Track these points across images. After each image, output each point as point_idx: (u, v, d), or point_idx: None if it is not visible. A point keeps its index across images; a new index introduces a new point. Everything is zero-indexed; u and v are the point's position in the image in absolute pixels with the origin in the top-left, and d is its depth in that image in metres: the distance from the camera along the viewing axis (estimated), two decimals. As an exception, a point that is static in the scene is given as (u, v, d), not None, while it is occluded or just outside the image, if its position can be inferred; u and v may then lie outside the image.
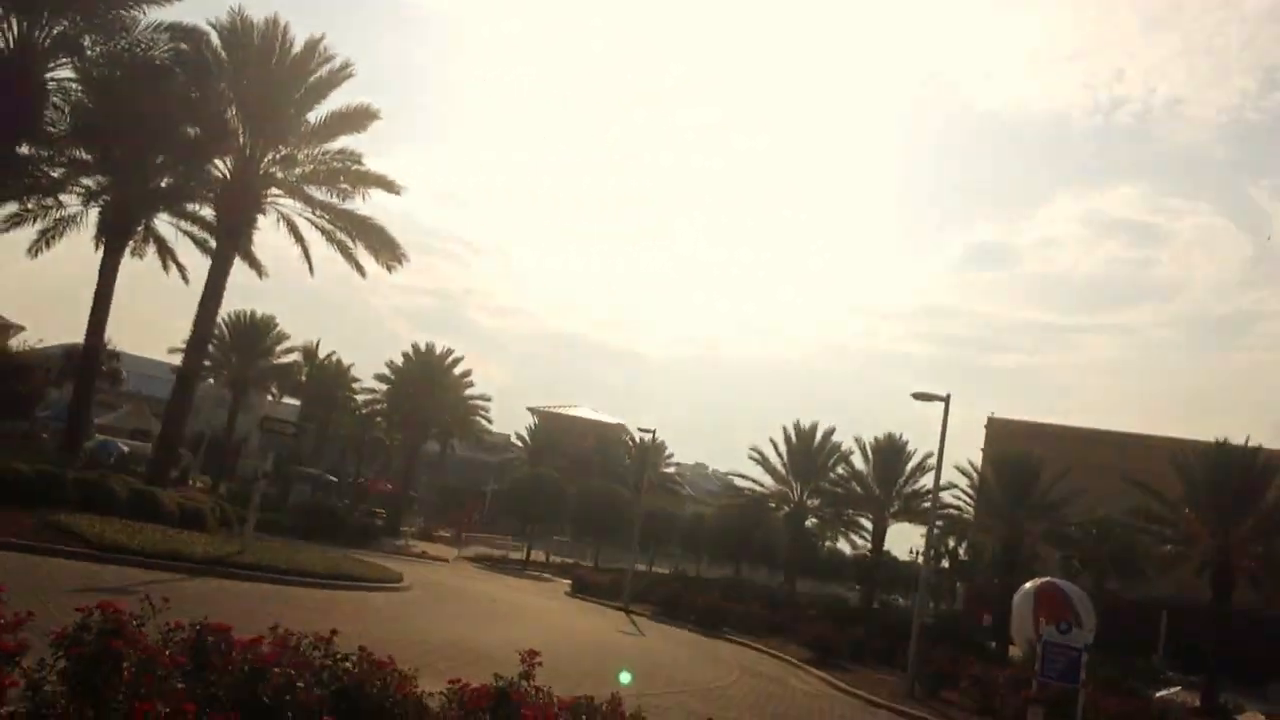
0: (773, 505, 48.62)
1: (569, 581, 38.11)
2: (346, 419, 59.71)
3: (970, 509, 44.50)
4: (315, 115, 28.85)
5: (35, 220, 28.42)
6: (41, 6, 23.67)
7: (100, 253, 28.23)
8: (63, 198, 28.37)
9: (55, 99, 25.09)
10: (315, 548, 28.79)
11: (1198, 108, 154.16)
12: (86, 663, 5.22)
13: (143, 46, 25.33)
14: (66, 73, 25.26)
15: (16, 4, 23.46)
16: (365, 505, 55.30)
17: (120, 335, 55.15)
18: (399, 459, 59.88)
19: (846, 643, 25.87)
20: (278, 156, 28.64)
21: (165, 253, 31.50)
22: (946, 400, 22.19)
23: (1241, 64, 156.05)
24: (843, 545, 53.96)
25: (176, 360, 34.74)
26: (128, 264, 29.47)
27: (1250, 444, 32.50)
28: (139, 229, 29.71)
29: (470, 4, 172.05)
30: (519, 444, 72.01)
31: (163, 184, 29.47)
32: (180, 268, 31.89)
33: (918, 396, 22.28)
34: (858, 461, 45.74)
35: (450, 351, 54.98)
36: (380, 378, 54.89)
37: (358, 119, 28.80)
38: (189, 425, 44.57)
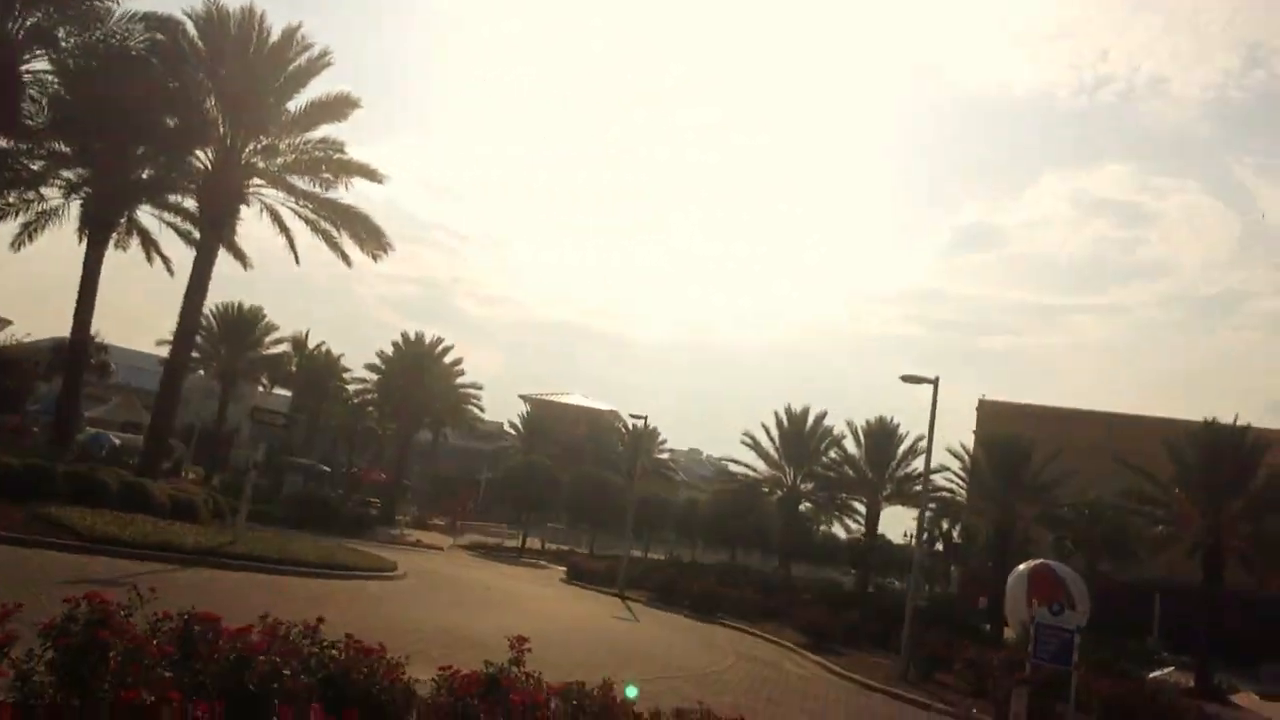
0: (766, 490, 48.71)
1: (564, 569, 38.14)
2: (338, 409, 59.64)
3: (963, 491, 44.64)
4: (295, 104, 28.75)
5: (17, 214, 28.19)
6: (14, -2, 23.49)
7: (83, 245, 28.08)
8: (44, 191, 28.18)
9: (32, 91, 24.86)
10: (309, 538, 28.77)
11: (1182, 86, 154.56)
12: (73, 653, 5.24)
13: (118, 37, 25.14)
14: (43, 65, 25.08)
15: (-12, -4, 23.27)
16: (359, 495, 55.30)
17: (109, 328, 55.18)
18: (391, 448, 59.83)
19: (841, 627, 25.93)
20: (259, 146, 28.49)
21: (149, 245, 31.35)
22: (935, 383, 22.19)
23: (1224, 42, 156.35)
24: (837, 530, 54.10)
25: (165, 352, 34.59)
26: (113, 256, 29.36)
27: (1239, 423, 32.62)
28: (122, 221, 29.54)
29: (471, 4, 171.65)
30: (512, 432, 72.03)
31: (144, 176, 29.29)
32: (165, 259, 31.77)
33: (906, 379, 22.27)
34: (850, 445, 45.87)
35: (440, 340, 54.98)
36: (370, 367, 54.86)
37: (338, 107, 28.66)
38: (180, 417, 44.43)
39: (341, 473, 62.36)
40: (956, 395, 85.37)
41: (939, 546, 50.79)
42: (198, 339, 52.41)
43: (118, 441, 41.82)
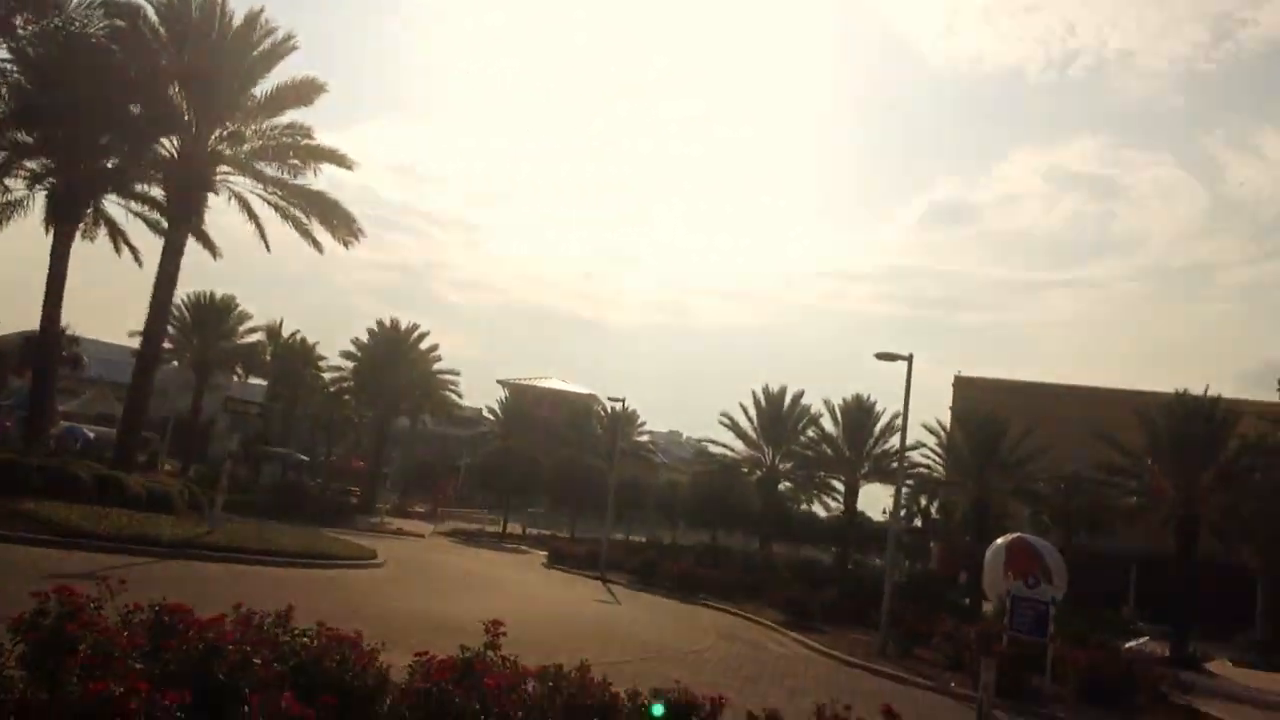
0: (745, 470, 48.92)
1: (545, 553, 38.19)
2: (314, 397, 59.31)
3: (941, 468, 44.94)
4: (261, 90, 28.44)
5: (-20, 206, 27.81)
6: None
7: (50, 237, 27.71)
8: (7, 182, 27.74)
9: (-8, 81, 24.51)
10: (288, 527, 28.65)
11: (1150, 59, 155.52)
12: (42, 646, 5.22)
13: (77, 24, 24.75)
14: (1, 54, 24.69)
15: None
16: (338, 483, 55.10)
17: (80, 320, 54.46)
18: (369, 436, 59.61)
19: (820, 605, 26.10)
20: (225, 133, 28.17)
21: (116, 235, 30.97)
22: (909, 360, 22.29)
23: (1191, 13, 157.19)
24: (817, 509, 54.38)
25: (137, 344, 34.25)
26: (81, 248, 28.97)
27: (1210, 395, 32.99)
28: (88, 212, 29.15)
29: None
30: (490, 417, 71.87)
31: (109, 165, 28.89)
32: (133, 250, 31.38)
33: (881, 357, 22.34)
34: (827, 424, 46.08)
35: (416, 326, 54.77)
36: (346, 355, 54.58)
37: (304, 92, 28.37)
38: (155, 409, 44.01)
39: (320, 461, 62.06)
40: (933, 372, 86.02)
41: (917, 523, 51.19)
42: (170, 330, 51.95)
43: (92, 435, 41.45)
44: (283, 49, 28.40)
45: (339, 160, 28.92)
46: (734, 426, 48.75)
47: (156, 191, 29.48)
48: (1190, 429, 31.93)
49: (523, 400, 73.03)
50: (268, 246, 30.83)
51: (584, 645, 14.75)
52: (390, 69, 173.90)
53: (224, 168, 28.84)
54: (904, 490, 47.80)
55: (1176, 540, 32.31)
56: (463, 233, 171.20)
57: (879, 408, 44.87)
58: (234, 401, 33.24)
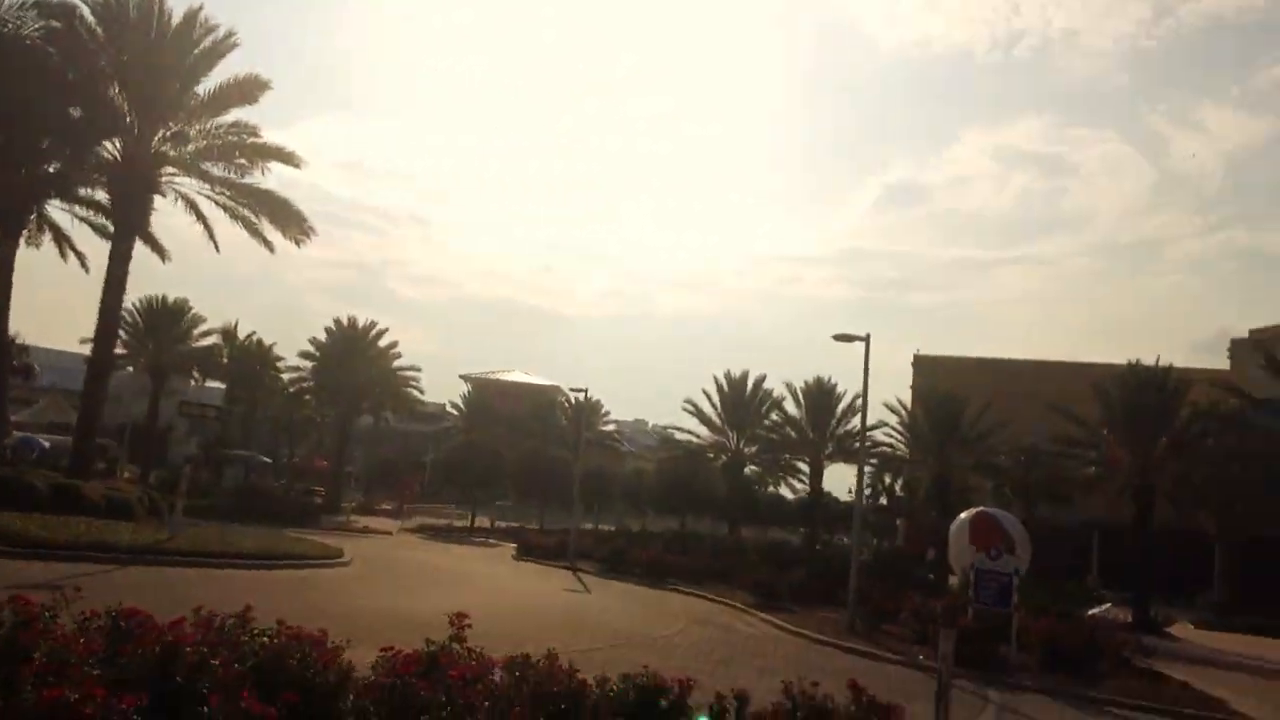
0: (710, 456, 49.13)
1: (514, 546, 38.11)
2: (274, 399, 58.65)
3: (904, 446, 45.40)
4: (204, 89, 28.00)
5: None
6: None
7: (-7, 245, 27.14)
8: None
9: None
10: (251, 530, 28.40)
11: (1094, 38, 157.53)
12: (-4, 657, 5.13)
13: (10, 26, 24.20)
14: None
15: None
16: (302, 484, 54.58)
17: (30, 329, 53.36)
18: (331, 435, 59.11)
19: (789, 585, 26.26)
20: (168, 134, 27.71)
21: (61, 240, 30.38)
22: (867, 340, 22.46)
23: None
24: (784, 491, 54.77)
25: (89, 350, 33.65)
26: (26, 254, 28.44)
27: (1162, 364, 33.57)
28: (31, 218, 28.55)
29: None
30: (454, 412, 71.55)
31: (50, 169, 28.29)
32: (79, 256, 30.83)
33: (838, 338, 22.49)
34: (790, 407, 46.39)
35: (374, 324, 54.34)
36: (305, 355, 54.02)
37: (248, 90, 27.97)
38: (112, 416, 43.28)
39: (283, 463, 61.46)
40: (893, 352, 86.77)
41: (883, 501, 51.70)
42: (123, 335, 51.00)
43: (48, 444, 40.64)
44: (224, 47, 27.97)
45: (286, 158, 28.55)
46: (698, 413, 48.96)
47: (101, 195, 28.93)
48: (1143, 399, 32.46)
49: (485, 394, 72.77)
50: (217, 247, 30.43)
51: (554, 635, 14.72)
52: (363, 70, 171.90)
53: (169, 169, 28.37)
54: (868, 469, 48.33)
55: (1134, 508, 32.88)
56: (417, 228, 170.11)
57: (840, 389, 45.26)
58: (190, 405, 32.82)
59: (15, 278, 27.83)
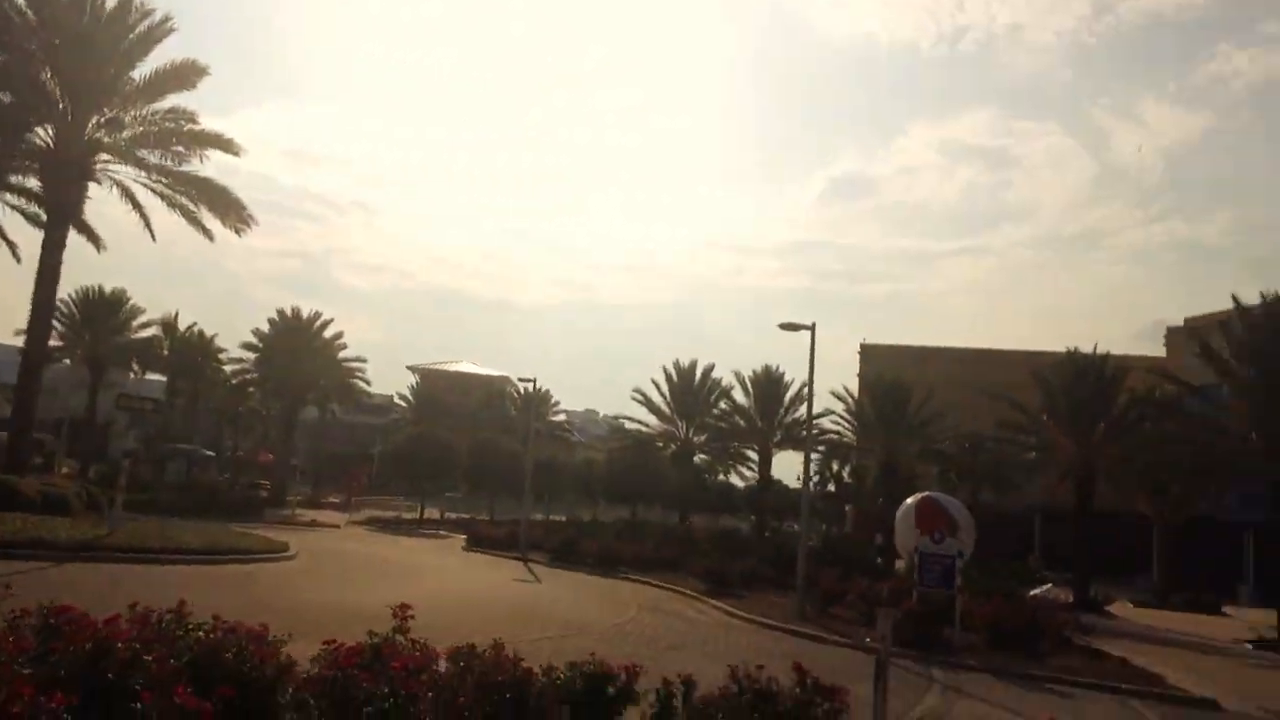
0: (660, 445, 49.29)
1: (465, 537, 37.87)
2: (217, 391, 57.70)
3: (851, 433, 45.95)
4: (139, 74, 27.26)
5: None
6: None
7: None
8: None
9: None
10: (194, 524, 27.87)
11: (1037, 33, 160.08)
12: (-80, 657, 4.96)
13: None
14: None
15: None
16: (247, 477, 53.74)
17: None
18: (276, 428, 58.26)
19: (739, 572, 26.43)
20: (102, 120, 26.95)
21: (-10, 230, 29.47)
22: (812, 329, 22.63)
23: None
24: (734, 479, 55.17)
25: (22, 342, 32.76)
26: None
27: (1099, 352, 34.32)
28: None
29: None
30: (402, 404, 70.93)
31: (-22, 158, 27.43)
32: (10, 245, 29.88)
33: (784, 327, 22.63)
34: (739, 396, 46.73)
35: (319, 314, 53.60)
36: (247, 346, 53.11)
37: (185, 75, 27.31)
38: (49, 409, 42.23)
39: (226, 456, 60.50)
40: (842, 342, 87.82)
41: (831, 488, 52.27)
42: (59, 326, 49.83)
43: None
44: (159, 32, 27.27)
45: (224, 145, 27.95)
46: (647, 402, 49.08)
47: (34, 182, 28.09)
48: (1082, 386, 33.19)
49: (434, 385, 72.23)
50: (153, 236, 29.73)
51: (503, 625, 14.64)
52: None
53: (104, 156, 27.61)
54: (817, 457, 48.91)
55: (1075, 492, 33.63)
56: (362, 216, 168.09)
57: (788, 378, 45.73)
58: (127, 398, 32.11)
59: (-56, 268, 27.00)
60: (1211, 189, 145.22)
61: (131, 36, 26.96)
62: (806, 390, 40.72)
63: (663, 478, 47.34)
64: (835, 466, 52.65)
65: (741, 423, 46.50)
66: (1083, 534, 33.23)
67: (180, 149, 27.43)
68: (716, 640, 17.14)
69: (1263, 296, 27.02)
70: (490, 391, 72.95)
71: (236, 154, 28.46)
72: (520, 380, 47.42)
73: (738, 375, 46.83)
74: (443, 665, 6.70)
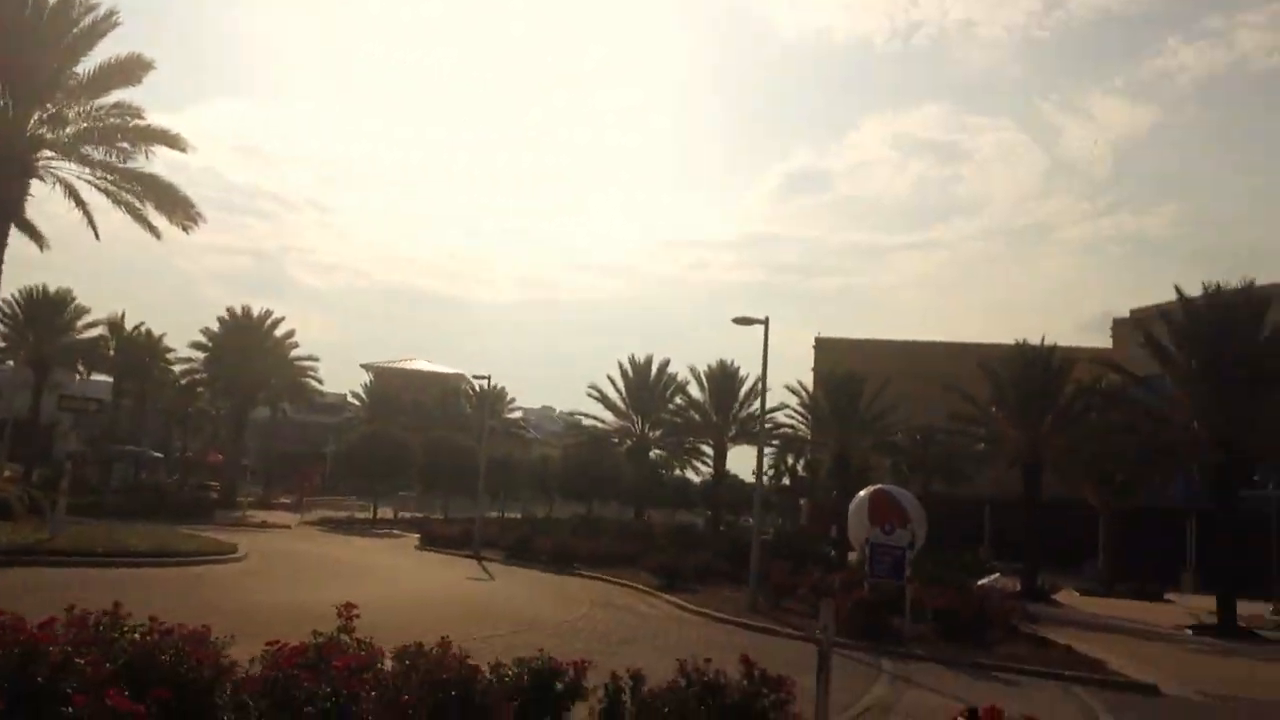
0: (616, 441, 49.31)
1: (418, 536, 37.63)
2: (165, 391, 56.70)
3: (805, 427, 46.26)
4: (83, 69, 26.63)
5: None
6: None
7: None
8: None
9: None
10: (141, 527, 27.46)
11: (989, 28, 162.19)
12: None
13: None
14: None
15: None
16: (196, 478, 52.91)
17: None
18: (226, 428, 57.42)
19: (694, 567, 26.53)
20: (45, 116, 26.32)
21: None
22: (765, 323, 22.78)
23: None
24: (690, 474, 55.33)
25: (-39, 344, 31.97)
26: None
27: (1047, 344, 34.90)
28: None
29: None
30: (355, 402, 70.24)
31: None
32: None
33: (738, 321, 22.77)
34: (695, 391, 46.86)
35: (269, 313, 52.85)
36: (196, 345, 52.24)
37: (131, 70, 26.70)
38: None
39: (175, 457, 59.52)
40: (796, 336, 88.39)
41: (786, 481, 52.62)
42: (2, 327, 48.80)
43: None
44: (104, 25, 26.63)
45: (171, 141, 27.40)
46: (603, 398, 49.07)
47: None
48: (1029, 377, 33.72)
49: (388, 383, 71.64)
50: (96, 234, 29.05)
51: (454, 624, 14.54)
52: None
53: (47, 152, 26.95)
54: (772, 450, 49.24)
55: (1023, 482, 34.18)
56: (315, 214, 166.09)
57: (743, 372, 45.92)
58: (69, 399, 31.45)
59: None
60: (1158, 183, 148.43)
61: (75, 30, 26.33)
62: (761, 385, 41.05)
63: (619, 473, 47.39)
64: (790, 460, 53.04)
65: (697, 418, 46.66)
66: (1031, 523, 33.79)
67: (125, 145, 26.83)
68: (668, 634, 17.22)
69: (1204, 287, 27.60)
70: (445, 389, 72.49)
71: (183, 150, 27.94)
72: (475, 378, 47.03)
73: (693, 370, 47.02)
74: (388, 664, 6.67)
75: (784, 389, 46.70)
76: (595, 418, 50.27)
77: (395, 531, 42.19)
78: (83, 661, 5.23)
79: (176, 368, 55.56)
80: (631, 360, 48.87)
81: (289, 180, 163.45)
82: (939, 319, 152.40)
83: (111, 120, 26.67)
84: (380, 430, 51.92)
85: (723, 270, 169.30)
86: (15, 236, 27.03)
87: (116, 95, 26.94)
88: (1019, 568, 33.44)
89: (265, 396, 54.66)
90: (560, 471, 50.23)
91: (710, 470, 48.68)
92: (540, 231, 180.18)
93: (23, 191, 26.39)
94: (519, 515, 51.50)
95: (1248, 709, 15.15)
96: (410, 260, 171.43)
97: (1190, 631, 24.96)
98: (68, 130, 26.55)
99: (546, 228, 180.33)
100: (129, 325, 54.66)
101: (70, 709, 4.74)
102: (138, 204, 27.45)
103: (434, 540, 35.45)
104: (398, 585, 21.54)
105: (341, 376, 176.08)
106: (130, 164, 27.15)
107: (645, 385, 48.32)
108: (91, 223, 28.37)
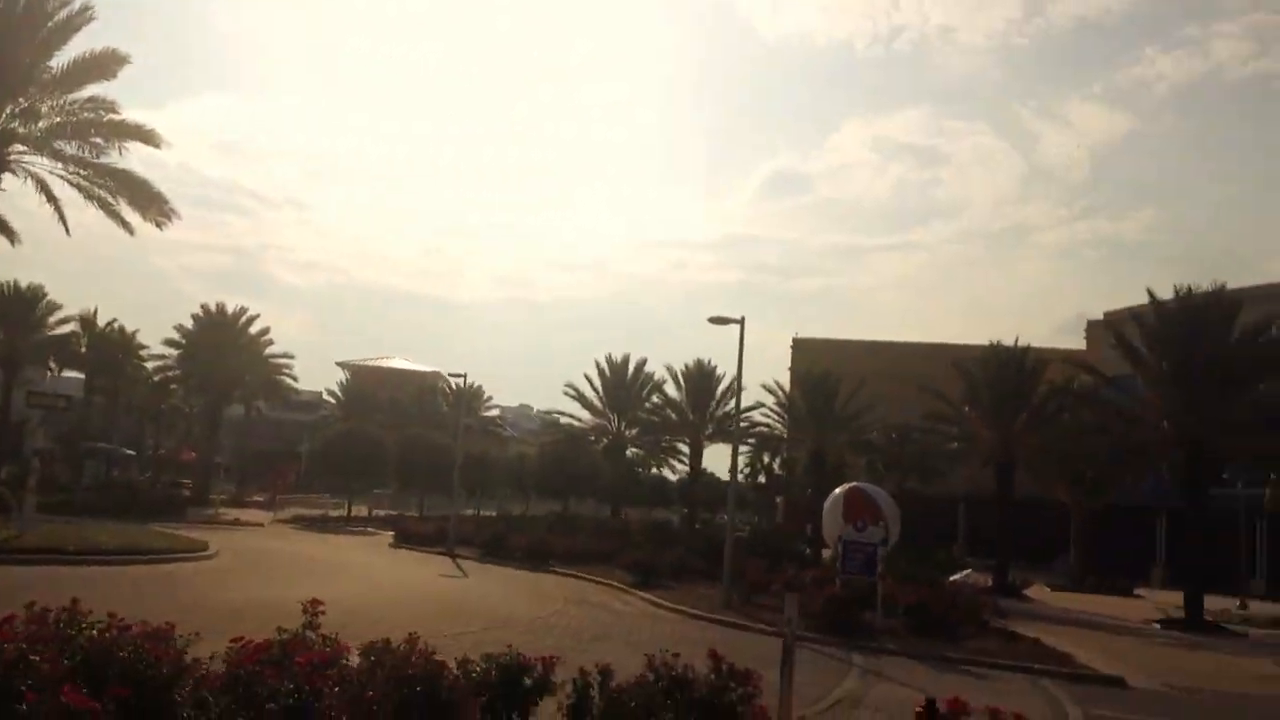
0: (593, 439, 49.31)
1: (393, 534, 37.46)
2: (138, 388, 56.13)
3: (782, 426, 46.45)
4: (57, 63, 26.33)
5: None
6: None
7: None
8: None
9: None
10: (112, 525, 27.24)
11: (968, 34, 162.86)
12: None
13: None
14: None
15: None
16: (168, 476, 52.47)
17: None
18: (200, 425, 56.99)
19: (669, 564, 26.56)
20: (17, 110, 25.99)
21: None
22: (741, 323, 22.84)
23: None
24: (667, 472, 55.42)
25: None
26: None
27: (1020, 345, 35.22)
28: None
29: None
30: (331, 400, 69.86)
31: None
32: (-82, 243, 28.70)
33: (714, 320, 22.81)
34: (671, 390, 46.98)
35: (244, 310, 52.53)
36: (170, 342, 51.78)
37: (105, 64, 26.40)
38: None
39: (147, 455, 58.97)
40: (774, 336, 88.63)
41: (762, 479, 52.79)
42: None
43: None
44: (79, 20, 26.31)
45: (145, 137, 27.11)
46: (580, 397, 49.07)
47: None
48: (1003, 378, 34.03)
49: (364, 381, 71.28)
50: (67, 229, 28.71)
51: (426, 621, 14.51)
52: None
53: (19, 147, 26.63)
54: (748, 449, 49.48)
55: (996, 480, 34.48)
56: (295, 211, 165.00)
57: (720, 371, 46.02)
58: (37, 396, 31.12)
59: None
60: (1134, 189, 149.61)
61: (50, 24, 26.03)
62: (737, 384, 41.08)
63: (595, 471, 47.36)
64: (766, 459, 53.24)
65: (673, 416, 46.74)
66: (1004, 521, 34.08)
67: (99, 140, 26.53)
68: (641, 631, 17.23)
69: (1176, 290, 27.92)
70: (422, 387, 72.20)
71: (158, 145, 27.65)
72: (451, 375, 46.83)
73: (670, 369, 47.10)
74: (355, 660, 6.65)
75: (761, 388, 46.81)
76: (572, 416, 50.34)
77: (370, 529, 41.99)
78: (39, 659, 5.18)
79: (150, 364, 55.04)
80: (609, 359, 48.92)
81: (274, 175, 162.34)
82: (918, 320, 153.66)
83: (85, 115, 26.39)
84: (356, 428, 51.63)
85: (702, 270, 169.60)
86: (-13, 232, 26.78)
87: (91, 90, 26.66)
88: (992, 564, 33.74)
89: (240, 394, 54.31)
90: (537, 469, 50.14)
91: (687, 468, 48.81)
92: (525, 226, 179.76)
93: (-8, 187, 26.08)
94: (495, 513, 51.37)
95: (1213, 700, 15.36)
96: (389, 258, 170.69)
97: (1158, 626, 25.27)
98: (40, 125, 26.26)
99: (532, 222, 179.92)
100: (102, 322, 54.12)
101: (24, 706, 4.70)
102: (111, 200, 27.17)
103: (409, 538, 35.30)
104: (370, 582, 21.45)
105: (319, 374, 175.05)
106: (104, 159, 26.88)
107: (623, 384, 48.35)
108: (62, 218, 28.07)
